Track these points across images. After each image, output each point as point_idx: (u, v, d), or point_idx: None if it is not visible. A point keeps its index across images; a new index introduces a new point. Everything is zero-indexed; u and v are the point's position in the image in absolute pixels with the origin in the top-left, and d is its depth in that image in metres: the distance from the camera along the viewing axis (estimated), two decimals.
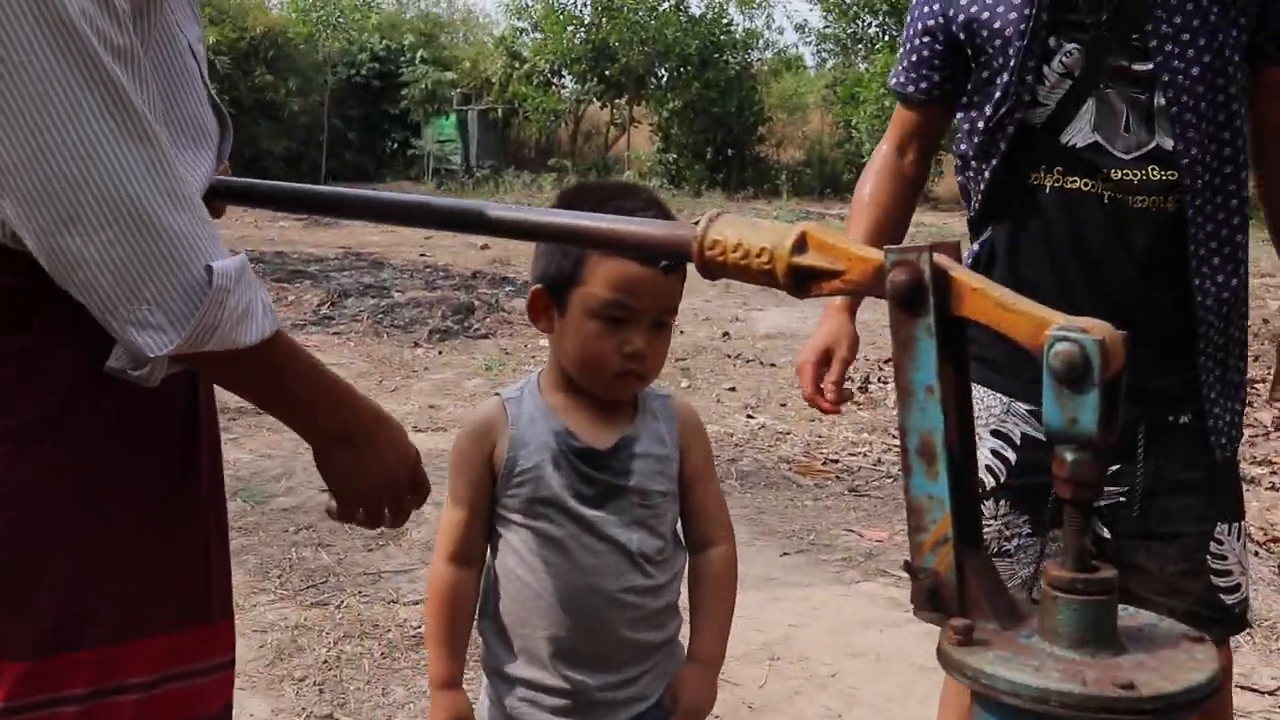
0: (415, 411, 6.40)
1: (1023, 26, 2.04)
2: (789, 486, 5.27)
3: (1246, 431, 6.12)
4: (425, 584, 3.93)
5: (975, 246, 2.27)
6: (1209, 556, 2.16)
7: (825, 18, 25.18)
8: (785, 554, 4.43)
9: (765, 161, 25.16)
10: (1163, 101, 2.03)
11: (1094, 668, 0.97)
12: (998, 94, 2.10)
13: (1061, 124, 2.09)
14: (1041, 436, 2.13)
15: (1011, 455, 2.19)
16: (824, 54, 26.49)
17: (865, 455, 5.78)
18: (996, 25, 2.07)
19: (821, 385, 2.32)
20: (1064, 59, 2.05)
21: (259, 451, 5.30)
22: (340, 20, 25.57)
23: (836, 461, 5.67)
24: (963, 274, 1.05)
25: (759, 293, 9.69)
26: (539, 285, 1.81)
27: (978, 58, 2.15)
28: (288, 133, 23.39)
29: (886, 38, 24.02)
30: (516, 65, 25.42)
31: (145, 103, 1.18)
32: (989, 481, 2.20)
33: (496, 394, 1.89)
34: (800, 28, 39.80)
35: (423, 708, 3.22)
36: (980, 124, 2.16)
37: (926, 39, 2.22)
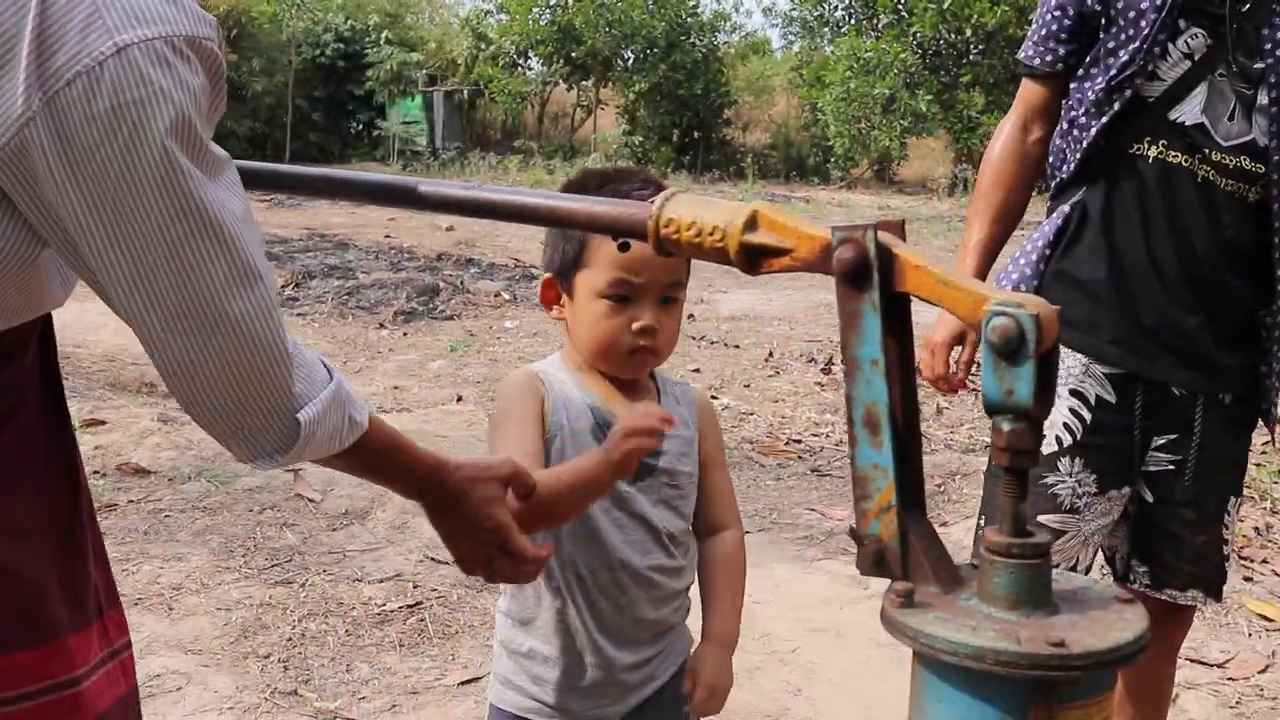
0: (380, 392, 6.41)
1: (1159, 2, 2.16)
2: (751, 466, 5.32)
3: None
4: (388, 564, 3.97)
5: (1066, 207, 2.35)
6: (1224, 528, 2.36)
7: (792, 1, 25.19)
8: (747, 533, 4.47)
9: (731, 144, 25.21)
10: (1265, 100, 2.18)
11: (1028, 627, 1.01)
12: (1124, 59, 2.22)
13: (1173, 101, 2.22)
14: (1113, 398, 2.27)
15: (1087, 415, 2.29)
16: (790, 36, 26.50)
17: (828, 436, 5.83)
18: (1122, 2, 2.21)
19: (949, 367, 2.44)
20: (1189, 40, 2.18)
21: None
22: (304, 1, 25.43)
23: (799, 442, 5.73)
24: (905, 251, 1.09)
25: (723, 275, 9.72)
26: (549, 274, 1.83)
27: (1109, 28, 2.26)
28: (252, 113, 23.24)
29: (853, 20, 24.06)
30: (482, 47, 25.32)
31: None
32: (1065, 439, 2.29)
33: (524, 368, 1.90)
34: (768, 10, 39.83)
35: (386, 684, 3.25)
36: (1100, 85, 2.26)
37: (1058, 13, 2.32)
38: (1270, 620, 3.71)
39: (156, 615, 3.58)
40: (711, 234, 1.20)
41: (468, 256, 11.87)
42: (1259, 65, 2.16)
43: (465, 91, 25.58)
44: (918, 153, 22.92)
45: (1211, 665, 3.45)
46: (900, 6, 22.37)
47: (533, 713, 1.86)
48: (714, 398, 6.51)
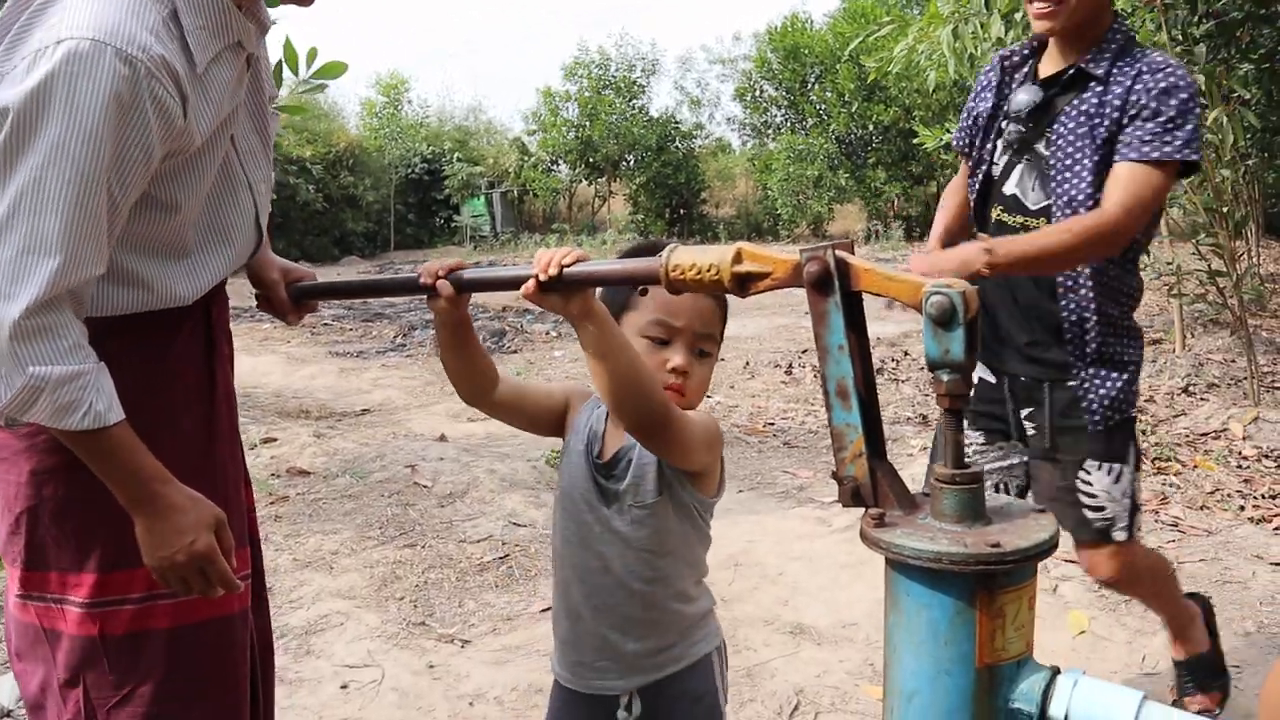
0: (466, 408, 6.34)
1: (991, 114, 2.27)
2: (740, 444, 5.26)
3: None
4: (483, 528, 3.90)
5: None
6: (1078, 481, 2.20)
7: (745, 112, 25.09)
8: (741, 491, 4.42)
9: (707, 217, 25.06)
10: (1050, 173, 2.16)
11: (971, 535, 0.97)
12: (983, 153, 2.28)
13: (1003, 179, 2.23)
14: (993, 380, 2.26)
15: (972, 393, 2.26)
16: (745, 138, 26.36)
17: (792, 419, 5.77)
18: (979, 111, 2.30)
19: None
20: (1008, 137, 2.22)
21: (359, 441, 5.26)
22: (400, 134, 25.50)
23: (773, 424, 5.66)
24: (856, 261, 1.05)
25: None
26: None
27: (973, 133, 2.33)
28: (366, 216, 23.10)
29: (788, 124, 23.98)
30: (526, 158, 25.26)
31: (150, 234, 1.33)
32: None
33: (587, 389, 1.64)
34: (729, 120, 39.52)
35: (488, 614, 3.20)
36: (976, 172, 2.31)
37: (966, 119, 2.37)
38: None
39: (321, 573, 3.54)
40: (708, 270, 1.16)
41: (525, 308, 11.79)
42: (1046, 152, 2.16)
43: (515, 191, 25.48)
44: (840, 215, 22.76)
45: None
46: (821, 111, 22.30)
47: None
48: (708, 396, 6.44)
